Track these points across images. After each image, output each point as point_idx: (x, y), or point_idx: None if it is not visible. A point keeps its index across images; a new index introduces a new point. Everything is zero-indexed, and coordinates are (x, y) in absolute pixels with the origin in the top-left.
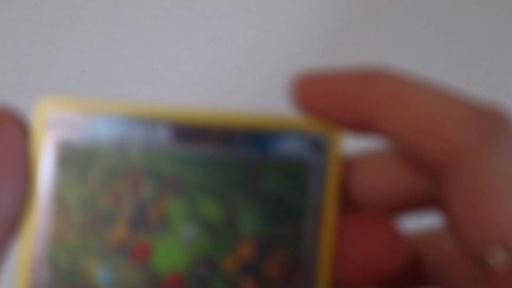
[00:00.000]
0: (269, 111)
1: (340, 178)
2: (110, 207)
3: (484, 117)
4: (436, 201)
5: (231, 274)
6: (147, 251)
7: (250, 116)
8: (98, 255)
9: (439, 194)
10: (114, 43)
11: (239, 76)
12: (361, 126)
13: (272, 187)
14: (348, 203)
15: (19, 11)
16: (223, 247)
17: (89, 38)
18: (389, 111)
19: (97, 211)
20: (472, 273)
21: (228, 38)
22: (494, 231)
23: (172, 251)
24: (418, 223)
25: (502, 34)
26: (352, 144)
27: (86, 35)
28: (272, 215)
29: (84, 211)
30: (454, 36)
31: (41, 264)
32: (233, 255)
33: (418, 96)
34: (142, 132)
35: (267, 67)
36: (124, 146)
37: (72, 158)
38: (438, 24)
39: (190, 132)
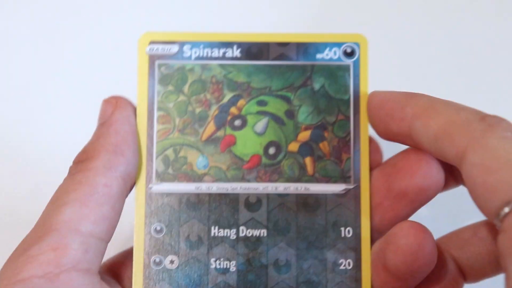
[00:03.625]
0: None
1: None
2: (201, 111)
3: (484, 117)
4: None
5: (294, 153)
6: (231, 141)
7: (299, 34)
8: (195, 147)
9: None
10: None
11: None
12: (402, 134)
13: (321, 86)
14: None
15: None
16: (287, 134)
17: None
18: (423, 118)
19: (192, 115)
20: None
21: None
22: (500, 195)
23: (249, 140)
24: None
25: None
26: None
27: None
28: (324, 107)
29: (182, 115)
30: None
31: (153, 157)
32: (295, 139)
33: (441, 108)
34: (219, 53)
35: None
36: (207, 64)
37: (169, 76)
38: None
39: (255, 49)
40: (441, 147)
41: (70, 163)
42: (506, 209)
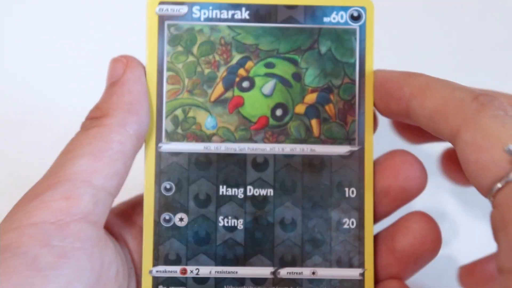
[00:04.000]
0: None
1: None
2: (210, 72)
3: (478, 96)
4: None
5: (301, 115)
6: (239, 103)
7: None
8: (204, 107)
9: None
10: None
11: None
12: (401, 113)
13: (328, 49)
14: None
15: None
16: (294, 96)
17: None
18: (419, 98)
19: (201, 75)
20: None
21: None
22: (491, 172)
23: (257, 101)
24: None
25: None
26: None
27: None
28: (330, 70)
29: (191, 75)
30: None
31: (163, 116)
32: (301, 101)
33: (437, 88)
34: (228, 14)
35: None
36: (216, 26)
37: (178, 37)
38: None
39: (263, 11)
40: (437, 126)
41: None
42: (499, 185)
